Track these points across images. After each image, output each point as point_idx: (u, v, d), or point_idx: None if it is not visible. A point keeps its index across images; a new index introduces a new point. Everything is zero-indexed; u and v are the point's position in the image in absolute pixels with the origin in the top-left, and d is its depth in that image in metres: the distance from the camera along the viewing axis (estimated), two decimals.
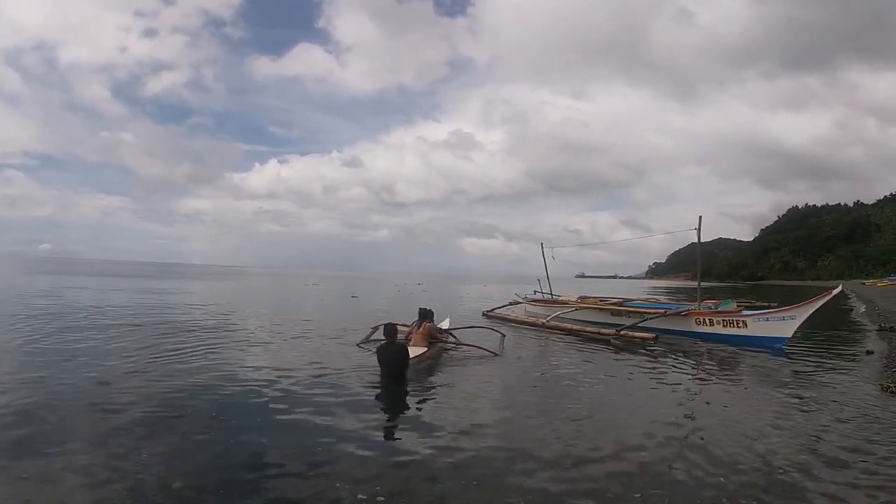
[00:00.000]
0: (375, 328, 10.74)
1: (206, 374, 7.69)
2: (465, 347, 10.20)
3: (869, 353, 10.88)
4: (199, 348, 9.87)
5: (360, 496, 3.80)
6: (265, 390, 6.87)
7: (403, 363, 7.62)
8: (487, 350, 10.05)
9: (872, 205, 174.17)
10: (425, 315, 9.93)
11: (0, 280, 32.04)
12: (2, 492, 3.82)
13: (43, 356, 8.50)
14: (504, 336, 12.32)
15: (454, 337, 10.91)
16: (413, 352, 8.39)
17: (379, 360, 7.68)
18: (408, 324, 10.55)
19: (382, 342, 7.86)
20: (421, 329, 9.61)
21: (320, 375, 7.76)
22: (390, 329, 7.85)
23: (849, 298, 34.29)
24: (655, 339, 11.91)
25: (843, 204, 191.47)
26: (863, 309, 25.22)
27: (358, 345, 10.43)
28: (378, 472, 4.31)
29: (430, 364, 8.81)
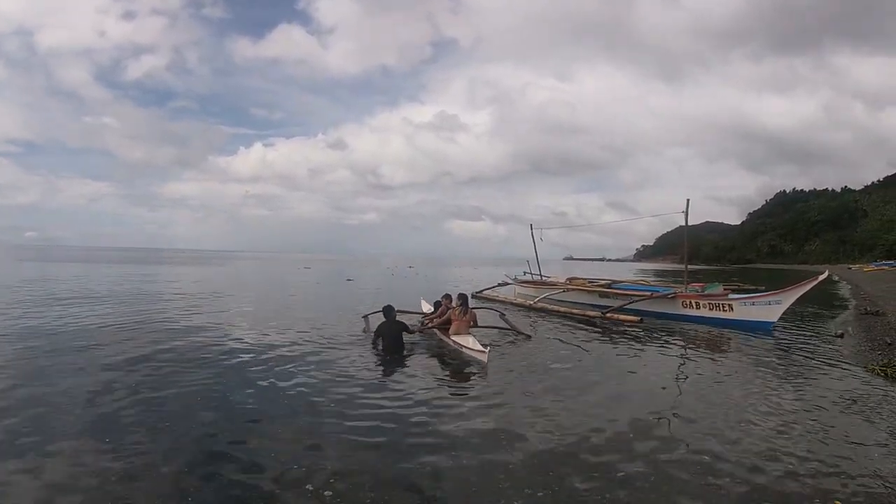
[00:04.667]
0: (366, 316, 10.73)
1: (208, 358, 7.68)
2: (493, 330, 10.22)
3: (839, 335, 10.79)
4: (202, 333, 9.88)
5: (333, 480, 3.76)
6: (273, 373, 6.90)
7: (401, 336, 8.49)
8: (521, 332, 10.25)
9: (860, 190, 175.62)
10: (466, 301, 9.42)
11: None
12: None
13: (33, 344, 8.42)
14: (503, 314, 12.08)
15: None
16: (465, 341, 8.30)
17: (381, 335, 8.48)
18: (423, 310, 10.93)
19: (383, 321, 8.63)
20: (467, 316, 9.11)
21: (332, 358, 7.84)
22: (388, 309, 8.79)
23: (836, 282, 34.77)
24: (640, 321, 11.98)
25: (830, 189, 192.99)
26: (848, 293, 25.57)
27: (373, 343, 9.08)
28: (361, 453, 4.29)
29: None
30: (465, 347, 8.15)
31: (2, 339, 8.77)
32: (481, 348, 7.84)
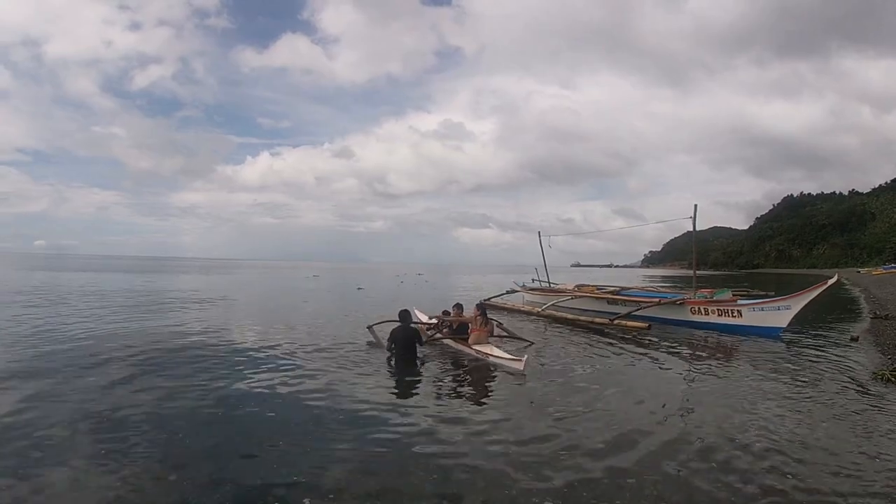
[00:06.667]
0: (370, 327, 10.27)
1: (217, 368, 7.73)
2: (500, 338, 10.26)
3: (854, 339, 10.86)
4: (212, 343, 9.95)
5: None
6: (282, 384, 6.91)
7: (415, 341, 8.59)
8: (524, 339, 10.47)
9: (867, 193, 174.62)
10: (484, 311, 9.41)
11: None
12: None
13: (42, 354, 8.58)
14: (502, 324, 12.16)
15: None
16: (490, 350, 8.45)
17: (394, 340, 8.52)
18: (422, 320, 10.86)
19: (397, 326, 8.70)
20: (487, 326, 9.19)
21: (345, 368, 7.87)
22: (405, 314, 8.84)
23: (847, 287, 34.53)
24: (648, 328, 11.94)
25: (837, 192, 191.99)
26: (860, 297, 25.42)
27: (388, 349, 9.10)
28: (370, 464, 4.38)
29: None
30: (493, 356, 8.21)
31: (14, 345, 8.98)
32: (516, 357, 7.88)
